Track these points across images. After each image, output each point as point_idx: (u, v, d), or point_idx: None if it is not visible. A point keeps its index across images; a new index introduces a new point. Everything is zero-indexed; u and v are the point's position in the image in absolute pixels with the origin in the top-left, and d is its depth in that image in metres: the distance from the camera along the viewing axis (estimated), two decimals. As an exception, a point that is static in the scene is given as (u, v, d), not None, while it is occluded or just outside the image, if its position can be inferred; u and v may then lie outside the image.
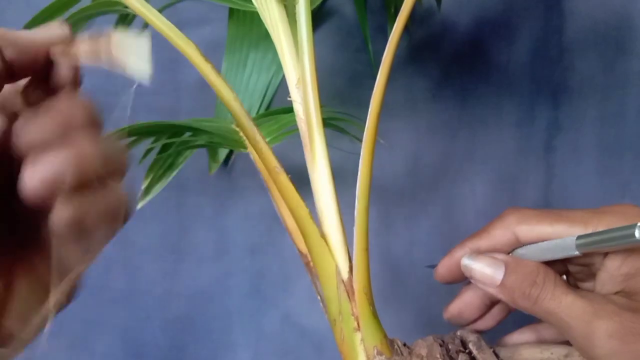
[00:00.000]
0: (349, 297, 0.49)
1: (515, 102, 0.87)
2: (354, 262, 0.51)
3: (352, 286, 0.50)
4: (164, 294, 0.87)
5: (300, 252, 0.56)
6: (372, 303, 0.51)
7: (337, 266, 0.50)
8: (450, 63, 0.90)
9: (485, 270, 0.46)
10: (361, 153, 0.51)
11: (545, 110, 0.87)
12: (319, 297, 0.54)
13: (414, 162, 0.85)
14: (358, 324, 0.49)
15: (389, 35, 0.51)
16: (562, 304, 0.43)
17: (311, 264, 0.54)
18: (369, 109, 0.50)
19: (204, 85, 0.53)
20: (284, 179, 0.51)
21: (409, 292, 0.84)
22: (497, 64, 0.88)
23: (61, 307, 0.36)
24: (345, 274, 0.50)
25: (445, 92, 0.89)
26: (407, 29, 0.81)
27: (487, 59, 0.89)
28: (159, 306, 0.87)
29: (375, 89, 0.50)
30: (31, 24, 0.61)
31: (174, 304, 0.87)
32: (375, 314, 0.51)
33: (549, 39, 0.88)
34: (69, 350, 0.85)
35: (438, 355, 0.48)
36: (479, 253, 0.49)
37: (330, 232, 0.51)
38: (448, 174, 0.87)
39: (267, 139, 0.61)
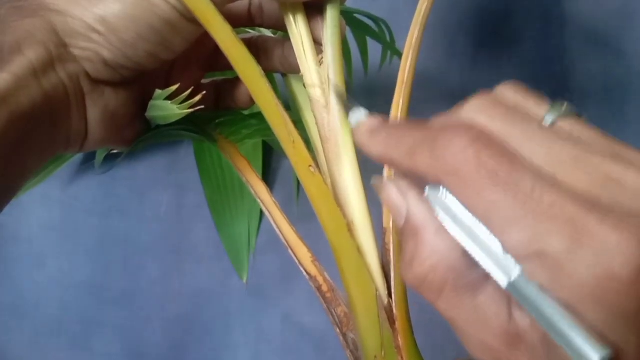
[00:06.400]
0: (390, 327, 0.40)
1: (516, 102, 0.84)
2: (392, 283, 0.41)
3: (392, 313, 0.40)
4: (164, 294, 0.82)
5: (308, 274, 0.45)
6: (413, 332, 0.41)
7: (377, 290, 0.40)
8: (451, 64, 0.89)
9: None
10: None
11: (545, 110, 0.85)
12: (337, 330, 0.43)
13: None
14: (402, 358, 0.40)
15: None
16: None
17: (324, 288, 0.44)
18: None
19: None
20: (320, 182, 0.41)
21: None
22: (497, 64, 0.84)
23: None
24: (385, 299, 0.41)
25: (446, 92, 0.83)
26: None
27: (487, 59, 0.84)
28: (159, 306, 0.82)
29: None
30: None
31: (174, 304, 0.82)
32: (416, 344, 0.42)
33: (549, 39, 0.83)
34: (69, 350, 0.80)
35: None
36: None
37: (364, 248, 0.41)
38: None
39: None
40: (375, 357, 0.40)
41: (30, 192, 0.72)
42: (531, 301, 0.24)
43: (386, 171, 0.41)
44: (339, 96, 0.41)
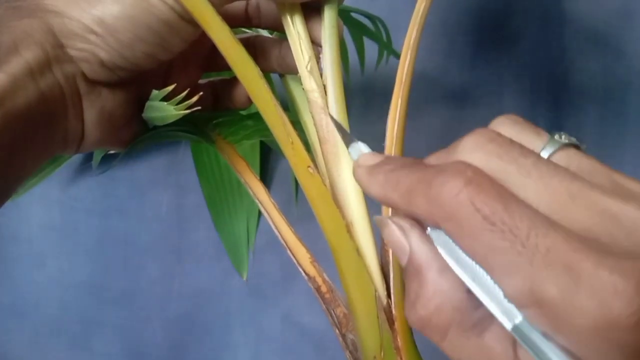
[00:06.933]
0: (389, 328, 0.40)
1: (516, 102, 0.82)
2: (391, 284, 0.41)
3: (391, 313, 0.40)
4: (164, 294, 0.82)
5: (307, 275, 0.44)
6: (412, 332, 0.41)
7: (376, 290, 0.40)
8: (451, 64, 0.89)
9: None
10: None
11: (545, 110, 0.83)
12: (336, 331, 0.43)
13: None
14: (401, 358, 0.40)
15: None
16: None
17: (323, 289, 0.44)
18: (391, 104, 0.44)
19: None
20: (318, 183, 0.41)
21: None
22: (497, 64, 0.83)
23: None
24: (384, 299, 0.40)
25: (445, 92, 0.84)
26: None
27: (487, 59, 0.84)
28: (159, 306, 0.82)
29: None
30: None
31: (174, 304, 0.82)
32: (415, 345, 0.41)
33: (549, 39, 0.83)
34: (69, 350, 0.80)
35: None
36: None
37: (363, 249, 0.41)
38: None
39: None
40: (375, 357, 0.40)
41: (30, 193, 0.72)
42: (535, 346, 0.23)
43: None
44: (339, 128, 0.40)
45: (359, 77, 0.78)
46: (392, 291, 0.41)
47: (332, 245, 0.40)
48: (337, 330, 0.43)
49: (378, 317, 0.40)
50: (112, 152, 0.54)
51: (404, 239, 0.29)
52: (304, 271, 0.45)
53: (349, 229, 0.41)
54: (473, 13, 0.84)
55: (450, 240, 0.26)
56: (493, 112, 0.88)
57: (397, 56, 0.72)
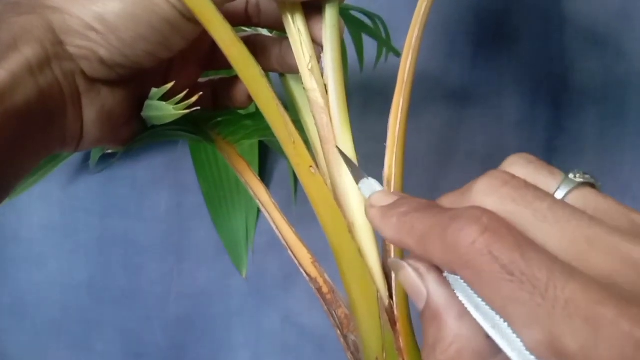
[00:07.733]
0: (392, 328, 0.39)
1: (516, 102, 0.82)
2: (393, 285, 0.40)
3: (393, 314, 0.39)
4: (164, 294, 0.81)
5: (308, 275, 0.44)
6: (414, 333, 0.40)
7: (378, 291, 0.39)
8: (451, 63, 0.88)
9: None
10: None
11: (545, 110, 0.82)
12: (337, 332, 0.42)
13: (413, 162, 0.84)
14: (404, 359, 0.39)
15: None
16: None
17: (324, 290, 0.43)
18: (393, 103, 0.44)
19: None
20: (320, 183, 0.40)
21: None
22: (497, 64, 0.83)
23: None
24: (386, 300, 0.40)
25: (445, 92, 0.83)
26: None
27: (487, 59, 0.84)
28: (159, 306, 0.81)
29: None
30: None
31: (174, 304, 0.82)
32: (418, 346, 0.40)
33: (549, 39, 0.83)
34: (69, 349, 0.80)
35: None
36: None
37: (365, 249, 0.40)
38: (448, 174, 0.85)
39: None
40: (377, 358, 0.39)
41: (30, 192, 0.71)
42: None
43: None
44: (348, 162, 0.40)
45: (358, 76, 0.78)
46: (394, 292, 0.40)
47: (334, 245, 0.40)
48: (338, 331, 0.43)
49: (380, 318, 0.39)
50: (110, 150, 0.54)
51: (421, 282, 0.28)
52: (306, 272, 0.44)
53: (350, 229, 0.40)
54: (473, 13, 0.84)
55: (468, 286, 0.26)
56: (493, 111, 0.88)
57: (397, 54, 0.72)
